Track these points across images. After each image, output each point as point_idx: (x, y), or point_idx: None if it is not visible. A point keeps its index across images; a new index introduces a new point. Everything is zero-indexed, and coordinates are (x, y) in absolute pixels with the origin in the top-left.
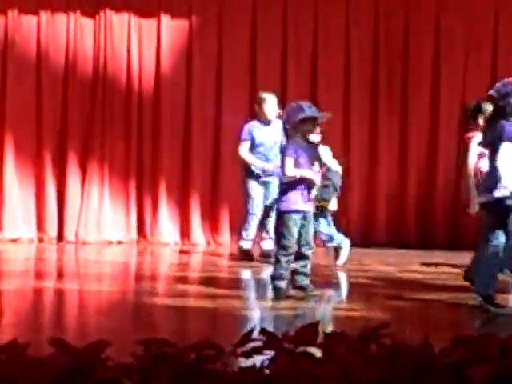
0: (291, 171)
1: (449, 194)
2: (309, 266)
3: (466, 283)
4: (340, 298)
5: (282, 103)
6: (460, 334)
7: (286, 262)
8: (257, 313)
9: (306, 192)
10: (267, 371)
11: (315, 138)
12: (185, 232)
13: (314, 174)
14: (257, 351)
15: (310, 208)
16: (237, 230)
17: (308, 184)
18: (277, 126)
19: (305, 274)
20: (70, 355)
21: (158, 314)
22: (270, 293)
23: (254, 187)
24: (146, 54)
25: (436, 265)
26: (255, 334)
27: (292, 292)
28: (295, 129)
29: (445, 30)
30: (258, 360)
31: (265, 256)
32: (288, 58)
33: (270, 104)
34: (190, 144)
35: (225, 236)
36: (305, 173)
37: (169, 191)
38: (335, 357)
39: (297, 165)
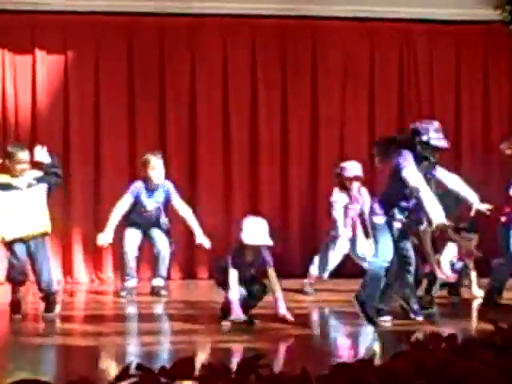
0: None
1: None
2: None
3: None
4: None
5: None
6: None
7: None
8: (139, 349)
9: None
10: None
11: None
12: (67, 270)
13: None
14: None
15: None
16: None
17: None
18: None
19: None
20: None
21: (41, 354)
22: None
23: (128, 233)
24: (22, 90)
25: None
26: (132, 370)
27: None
28: None
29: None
30: None
31: (155, 293)
32: (166, 90)
33: (156, 167)
34: (69, 178)
35: (108, 273)
36: None
37: None
38: None
39: None
